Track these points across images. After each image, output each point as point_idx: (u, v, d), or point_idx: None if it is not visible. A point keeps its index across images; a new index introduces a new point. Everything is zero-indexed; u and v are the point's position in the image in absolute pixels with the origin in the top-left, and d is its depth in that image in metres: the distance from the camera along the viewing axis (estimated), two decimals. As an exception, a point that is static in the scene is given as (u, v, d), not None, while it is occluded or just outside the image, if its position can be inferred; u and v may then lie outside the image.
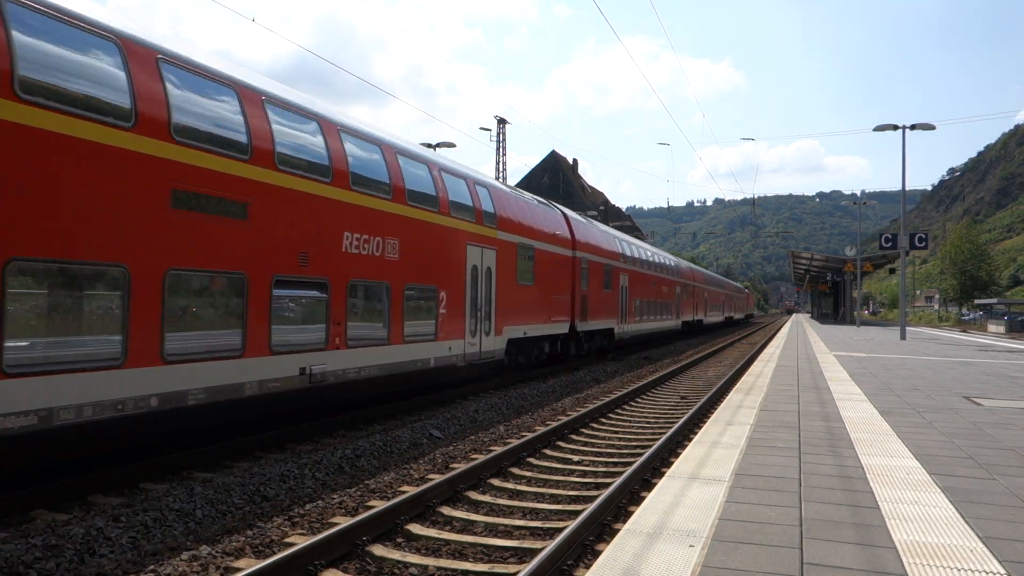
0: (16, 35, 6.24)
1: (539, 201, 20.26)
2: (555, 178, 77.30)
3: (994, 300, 66.82)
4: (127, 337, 7.09)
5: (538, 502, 7.53)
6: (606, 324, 24.37)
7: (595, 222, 26.63)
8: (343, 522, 6.30)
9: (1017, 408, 9.70)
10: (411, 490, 7.42)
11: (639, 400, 15.22)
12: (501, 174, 52.52)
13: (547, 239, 19.03)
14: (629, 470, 7.96)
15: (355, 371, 10.56)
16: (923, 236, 33.21)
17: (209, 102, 8.42)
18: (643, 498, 5.87)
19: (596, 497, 7.18)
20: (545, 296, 18.63)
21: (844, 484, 5.40)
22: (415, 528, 6.44)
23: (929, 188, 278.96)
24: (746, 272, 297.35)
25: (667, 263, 36.66)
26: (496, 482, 8.19)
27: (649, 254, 33.15)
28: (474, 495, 7.63)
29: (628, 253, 27.77)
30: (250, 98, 9.03)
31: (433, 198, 13.09)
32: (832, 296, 78.46)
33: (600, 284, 23.37)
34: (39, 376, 6.27)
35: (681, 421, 11.23)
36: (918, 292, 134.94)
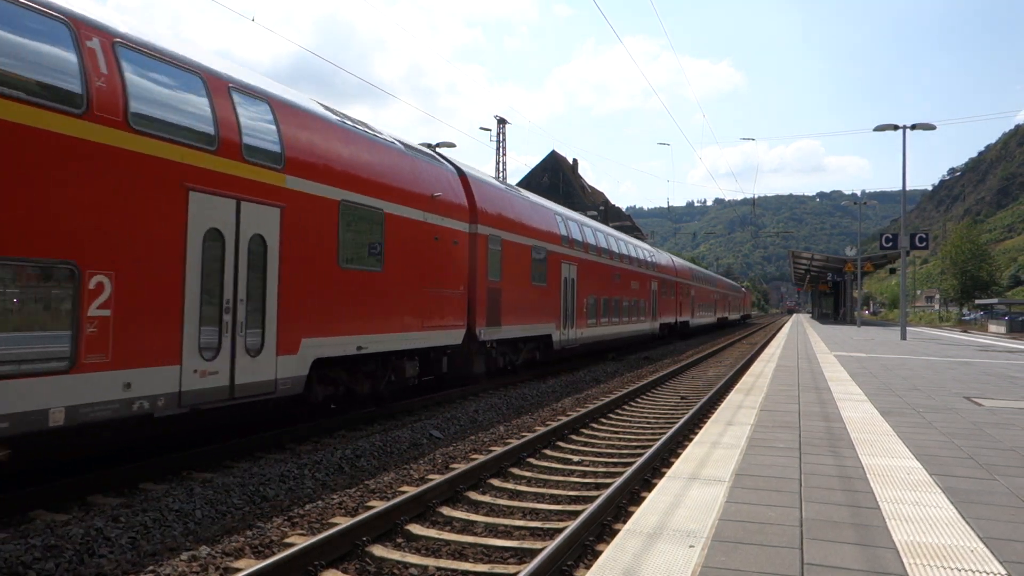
0: None
1: (407, 146, 13.04)
2: (555, 178, 77.32)
3: (995, 300, 66.80)
4: None
5: (538, 502, 7.52)
6: (537, 329, 17.88)
7: (522, 190, 19.62)
8: (343, 522, 6.30)
9: (1017, 408, 9.69)
10: (411, 490, 7.42)
11: (639, 400, 15.22)
12: (501, 174, 52.50)
13: (416, 202, 12.43)
14: (629, 470, 7.95)
15: None
16: (923, 236, 33.19)
17: None
18: (643, 498, 5.87)
19: (596, 497, 7.17)
20: (410, 289, 12.12)
21: (844, 484, 5.39)
22: (415, 528, 6.43)
23: (929, 188, 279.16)
24: (746, 272, 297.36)
25: (638, 253, 29.99)
26: (496, 482, 8.18)
27: (612, 240, 26.29)
28: (474, 495, 7.62)
29: (576, 236, 21.52)
30: None
31: (74, 93, 6.71)
32: (832, 296, 78.51)
33: (525, 274, 17.17)
34: None
35: (681, 421, 11.22)
36: (918, 292, 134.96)
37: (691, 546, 3.99)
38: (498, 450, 9.35)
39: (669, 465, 8.50)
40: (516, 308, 16.53)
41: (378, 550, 5.89)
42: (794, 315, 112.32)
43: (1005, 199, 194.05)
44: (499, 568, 5.62)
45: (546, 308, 18.62)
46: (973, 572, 3.66)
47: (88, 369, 6.78)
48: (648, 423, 12.51)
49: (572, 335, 20.73)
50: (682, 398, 15.63)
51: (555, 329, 19.28)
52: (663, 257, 37.07)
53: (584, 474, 8.84)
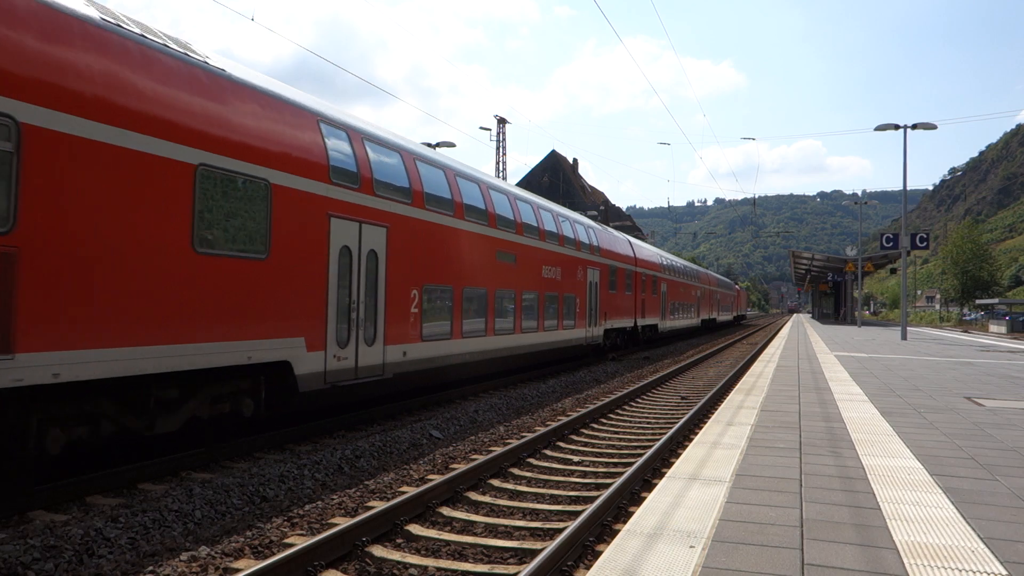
0: None
1: None
2: (555, 178, 77.33)
3: (995, 300, 66.75)
4: None
5: (538, 503, 7.51)
6: (227, 351, 8.31)
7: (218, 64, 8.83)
8: (343, 523, 6.29)
9: (1018, 408, 9.68)
10: (411, 491, 7.41)
11: (639, 400, 15.21)
12: (501, 174, 52.52)
13: None
14: (629, 470, 7.94)
15: None
16: (924, 236, 33.18)
17: None
18: (643, 499, 5.86)
19: (596, 497, 7.17)
20: None
21: (845, 485, 5.38)
22: (415, 529, 6.42)
23: (930, 188, 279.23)
24: (747, 272, 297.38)
25: (557, 226, 19.78)
26: (496, 482, 8.17)
27: (495, 197, 16.00)
28: (474, 495, 7.61)
29: (384, 175, 11.57)
30: None
31: None
32: (833, 296, 78.44)
33: (172, 225, 7.67)
34: None
35: (681, 422, 11.21)
36: (919, 292, 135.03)
37: (691, 546, 3.98)
38: (498, 450, 9.34)
39: (669, 465, 8.50)
40: (121, 303, 7.12)
41: (378, 550, 5.88)
42: (794, 315, 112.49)
43: (1006, 199, 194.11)
44: (499, 568, 5.60)
45: (268, 304, 8.91)
46: (974, 572, 3.65)
47: None
48: (648, 423, 12.50)
49: (370, 357, 10.86)
50: (682, 398, 15.62)
51: (305, 350, 9.45)
52: (612, 237, 26.48)
53: (584, 474, 8.83)
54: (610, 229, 28.44)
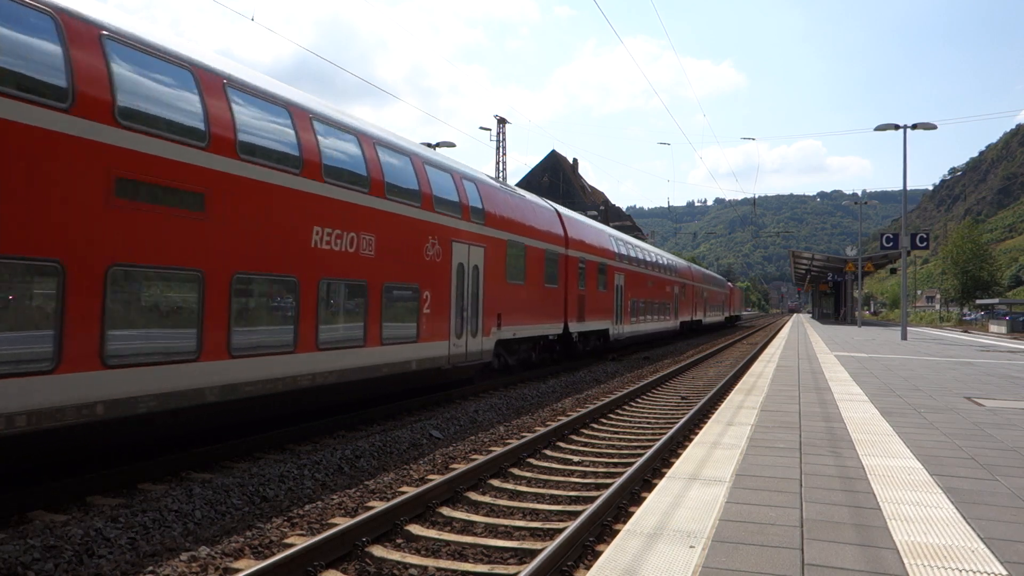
0: None
1: None
2: (555, 178, 77.34)
3: (995, 300, 66.75)
4: None
5: (538, 503, 7.51)
6: None
7: None
8: (343, 523, 6.29)
9: (1018, 408, 9.68)
10: (411, 491, 7.41)
11: (639, 400, 15.20)
12: (501, 174, 52.52)
13: None
14: (629, 471, 7.94)
15: None
16: (924, 236, 33.18)
17: None
18: (643, 499, 5.86)
19: (596, 498, 7.17)
20: None
21: (845, 485, 5.38)
22: (415, 529, 6.42)
23: (930, 188, 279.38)
24: (747, 272, 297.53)
25: (381, 167, 11.40)
26: (496, 483, 8.17)
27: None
28: (474, 495, 7.61)
29: None
30: None
31: None
32: (833, 296, 78.49)
33: None
34: None
35: (681, 422, 11.21)
36: (919, 292, 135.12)
37: (691, 546, 3.98)
38: (498, 450, 9.33)
39: (669, 465, 8.49)
40: None
41: (378, 550, 5.88)
42: (794, 315, 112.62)
43: (1006, 199, 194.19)
44: (499, 568, 5.60)
45: None
46: (974, 572, 3.65)
47: None
48: (648, 423, 12.50)
49: None
50: (682, 398, 15.62)
51: None
52: (518, 201, 17.81)
53: (584, 474, 8.83)
54: (523, 192, 19.08)
